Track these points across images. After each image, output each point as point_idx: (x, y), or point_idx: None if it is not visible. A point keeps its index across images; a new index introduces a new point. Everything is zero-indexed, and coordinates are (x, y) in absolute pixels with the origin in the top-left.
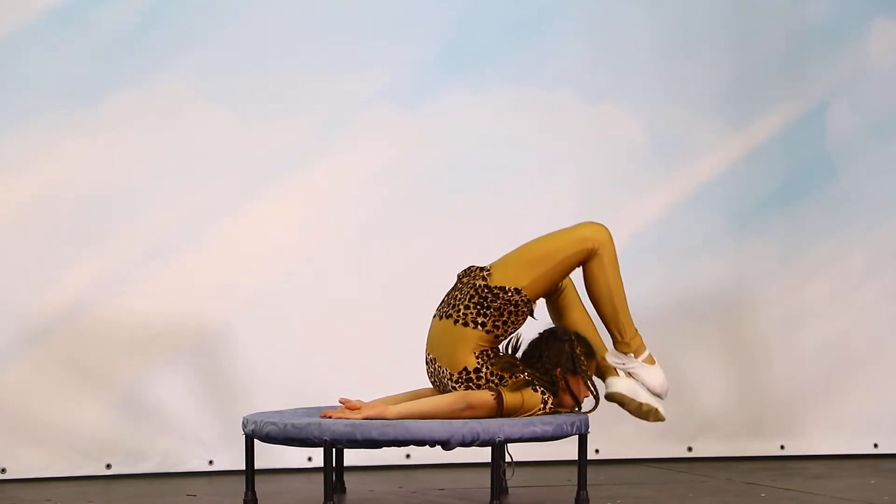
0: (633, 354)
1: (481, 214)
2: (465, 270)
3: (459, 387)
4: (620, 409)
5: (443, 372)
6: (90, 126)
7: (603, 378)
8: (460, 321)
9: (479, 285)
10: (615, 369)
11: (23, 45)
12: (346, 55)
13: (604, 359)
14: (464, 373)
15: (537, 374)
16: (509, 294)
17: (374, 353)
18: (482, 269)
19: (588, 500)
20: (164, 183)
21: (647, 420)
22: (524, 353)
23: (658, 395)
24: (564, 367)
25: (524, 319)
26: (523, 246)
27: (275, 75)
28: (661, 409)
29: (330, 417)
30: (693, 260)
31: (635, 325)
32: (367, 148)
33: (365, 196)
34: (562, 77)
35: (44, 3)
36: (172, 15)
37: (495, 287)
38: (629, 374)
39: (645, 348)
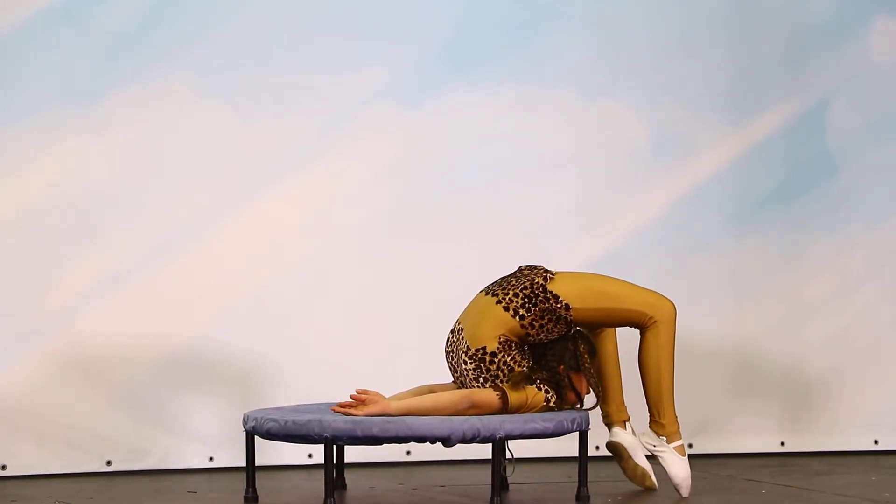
0: (665, 438)
1: (481, 213)
2: (530, 265)
3: (470, 362)
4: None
5: (462, 343)
6: (90, 124)
7: (609, 426)
8: (502, 304)
9: (537, 282)
10: (624, 422)
11: (23, 43)
12: (346, 54)
13: (607, 415)
14: (480, 351)
15: (542, 374)
16: (559, 304)
17: (375, 351)
18: (548, 271)
19: (589, 497)
20: (164, 181)
21: (637, 483)
22: (529, 350)
23: (678, 488)
24: (568, 364)
25: (558, 333)
26: (599, 275)
27: (275, 74)
28: (654, 477)
29: (342, 411)
30: (693, 257)
31: (676, 413)
32: (368, 147)
33: (365, 195)
34: (562, 76)
35: (44, 1)
36: (173, 14)
37: (550, 291)
38: (654, 456)
39: (679, 437)
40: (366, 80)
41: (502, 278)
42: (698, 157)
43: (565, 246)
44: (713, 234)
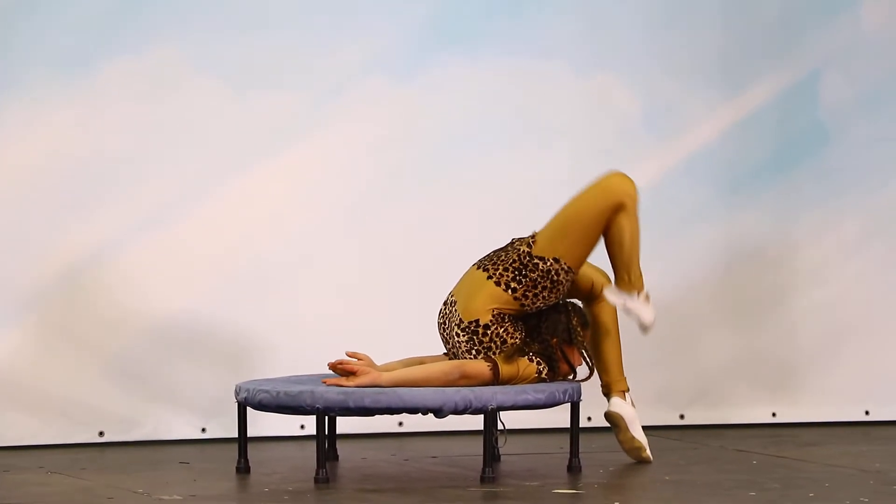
0: (636, 293)
1: (475, 186)
2: (521, 238)
3: (463, 334)
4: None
5: (454, 315)
6: (82, 96)
7: (608, 396)
8: (494, 278)
9: (523, 251)
10: (623, 392)
11: (15, 13)
12: (339, 27)
13: (606, 385)
14: (473, 324)
15: (535, 346)
16: (548, 264)
17: (368, 323)
18: (531, 235)
19: (580, 468)
20: (157, 153)
21: (633, 456)
22: (522, 323)
23: (645, 331)
24: (561, 337)
25: (563, 290)
26: (559, 211)
27: (268, 47)
28: (649, 451)
29: (334, 385)
30: (685, 229)
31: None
32: (361, 120)
33: (359, 167)
34: (554, 49)
35: None
36: None
37: (536, 256)
38: (627, 311)
39: (643, 287)
40: (358, 52)
41: (494, 252)
42: (690, 129)
43: None
44: (705, 205)
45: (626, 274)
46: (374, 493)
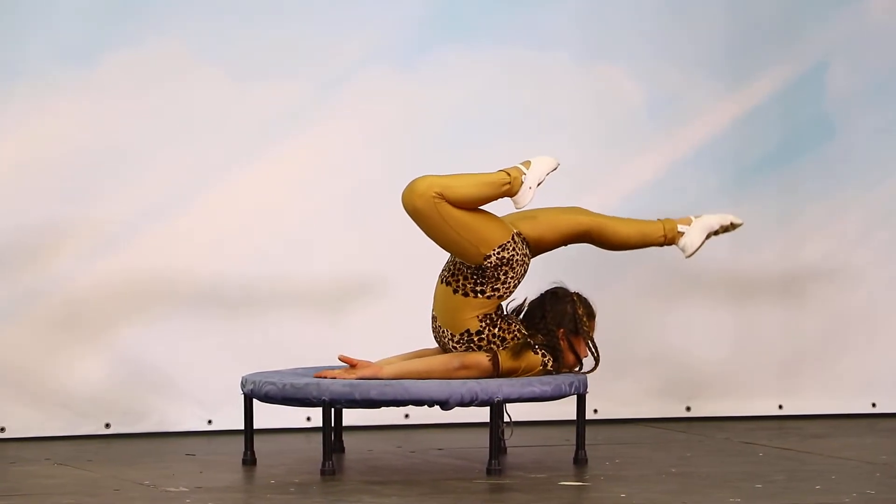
0: (684, 226)
1: None
2: None
3: (461, 347)
4: (619, 368)
5: (444, 332)
6: (85, 87)
7: (675, 242)
8: (460, 291)
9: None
10: (680, 227)
11: (17, 5)
12: (340, 18)
13: (660, 235)
14: (465, 334)
15: (539, 337)
16: (491, 260)
17: (373, 314)
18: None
19: (586, 460)
20: (159, 142)
21: (732, 230)
22: (526, 314)
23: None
24: (567, 327)
25: (522, 258)
26: (446, 235)
27: (270, 37)
28: (727, 217)
29: (325, 378)
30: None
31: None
32: (362, 109)
33: (360, 158)
34: (557, 39)
35: None
36: None
37: (477, 267)
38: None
39: (680, 221)
40: (359, 42)
41: (449, 259)
42: (694, 120)
43: None
44: (709, 197)
45: (661, 228)
46: (381, 485)
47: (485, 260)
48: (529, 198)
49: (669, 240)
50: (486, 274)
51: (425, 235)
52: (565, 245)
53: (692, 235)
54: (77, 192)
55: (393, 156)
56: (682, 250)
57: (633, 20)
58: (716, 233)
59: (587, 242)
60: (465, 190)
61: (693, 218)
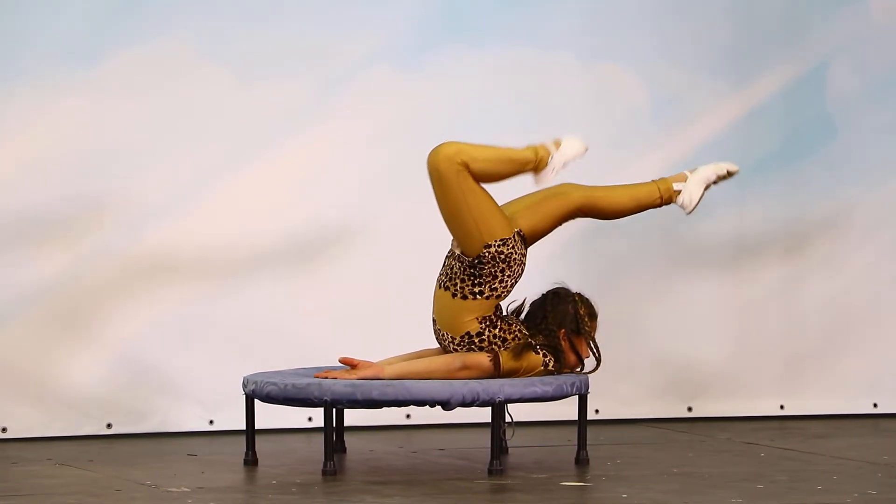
0: (679, 183)
1: None
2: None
3: (462, 349)
4: (621, 368)
5: (444, 335)
6: (89, 87)
7: (672, 201)
8: (458, 295)
9: (465, 260)
10: (677, 185)
11: (20, 4)
12: (342, 16)
13: (655, 196)
14: (466, 337)
15: (541, 338)
16: (488, 254)
17: (376, 313)
18: (451, 252)
19: (588, 460)
20: (162, 143)
21: (729, 178)
22: (527, 315)
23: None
24: (568, 328)
25: (520, 257)
26: (443, 213)
27: (272, 35)
28: (721, 166)
29: (326, 378)
30: (692, 220)
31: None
32: (366, 108)
33: (364, 156)
34: (560, 38)
35: None
36: None
37: (475, 259)
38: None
39: (671, 180)
40: (364, 41)
41: (445, 264)
42: (697, 120)
43: None
44: (712, 196)
45: (655, 189)
46: (382, 486)
47: (484, 249)
48: (551, 180)
49: (666, 199)
50: (484, 272)
51: (436, 204)
52: (561, 225)
53: (690, 190)
54: (78, 192)
55: (398, 156)
56: (682, 208)
57: (635, 20)
58: (715, 183)
59: (582, 217)
60: (488, 165)
61: (688, 173)
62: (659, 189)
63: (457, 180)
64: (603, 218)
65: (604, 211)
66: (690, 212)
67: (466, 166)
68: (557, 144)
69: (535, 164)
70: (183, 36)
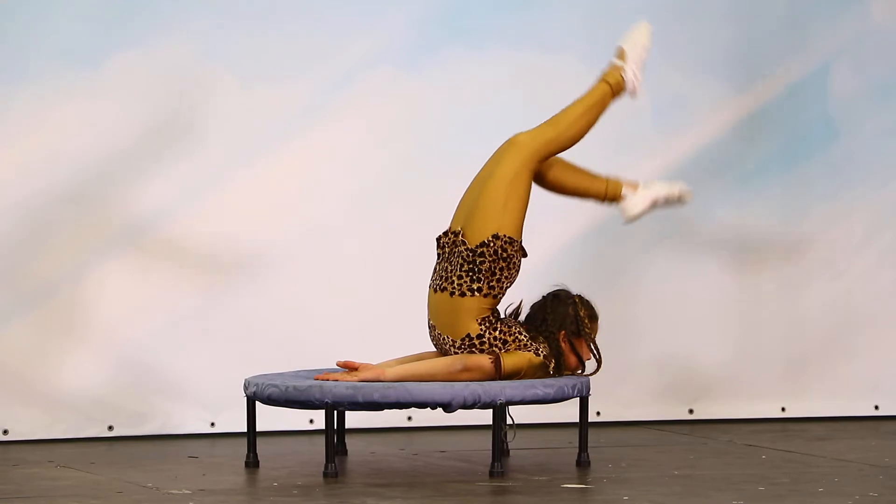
0: (626, 189)
1: None
2: (441, 240)
3: (462, 352)
4: (622, 370)
5: (444, 339)
6: (91, 89)
7: (617, 201)
8: (456, 293)
9: (463, 251)
10: (622, 194)
11: (21, 7)
12: (345, 18)
13: (601, 192)
14: (466, 339)
15: (541, 339)
16: (492, 245)
17: (377, 315)
18: (455, 234)
19: (589, 462)
20: (163, 145)
21: (682, 203)
22: (527, 317)
23: (679, 196)
24: (569, 330)
25: (518, 263)
26: (471, 192)
27: (274, 37)
28: (675, 187)
29: (327, 380)
30: (693, 223)
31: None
32: (367, 111)
33: (365, 158)
34: (561, 41)
35: None
36: None
37: (477, 246)
38: (655, 203)
39: (624, 185)
40: (365, 43)
41: (438, 265)
42: (699, 123)
43: (567, 212)
44: (713, 199)
45: (603, 182)
46: (383, 488)
47: (492, 237)
48: (639, 86)
49: (610, 198)
50: (483, 267)
51: (479, 172)
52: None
53: (635, 200)
54: (80, 193)
55: (398, 158)
56: (622, 212)
57: (637, 22)
58: (664, 202)
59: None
60: (573, 130)
61: (641, 185)
62: (607, 186)
63: (521, 161)
64: (548, 185)
65: (556, 178)
66: (627, 221)
67: (535, 162)
68: (620, 54)
69: (615, 90)
70: (184, 38)
